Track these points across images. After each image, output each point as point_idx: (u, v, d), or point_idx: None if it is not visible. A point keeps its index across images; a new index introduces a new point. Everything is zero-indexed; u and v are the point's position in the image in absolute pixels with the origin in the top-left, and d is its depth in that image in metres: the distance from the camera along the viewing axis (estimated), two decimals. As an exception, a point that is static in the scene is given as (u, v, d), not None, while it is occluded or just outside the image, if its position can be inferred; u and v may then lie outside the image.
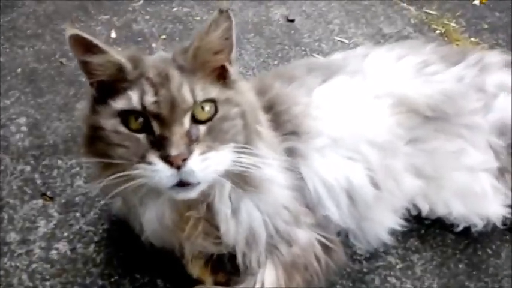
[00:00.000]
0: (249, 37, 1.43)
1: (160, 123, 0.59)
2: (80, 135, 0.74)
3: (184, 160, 0.58)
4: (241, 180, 0.68)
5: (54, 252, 0.84)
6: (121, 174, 0.60)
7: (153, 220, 0.71)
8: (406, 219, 0.94)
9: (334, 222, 0.84)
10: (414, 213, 0.95)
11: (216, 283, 0.78)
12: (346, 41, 1.46)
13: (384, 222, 0.90)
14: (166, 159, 0.57)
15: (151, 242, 0.76)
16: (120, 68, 0.62)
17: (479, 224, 0.96)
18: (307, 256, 0.79)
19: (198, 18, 1.48)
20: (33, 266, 0.81)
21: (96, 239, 0.87)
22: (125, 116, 0.61)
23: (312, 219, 0.81)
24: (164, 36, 1.40)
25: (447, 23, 1.55)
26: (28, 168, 0.99)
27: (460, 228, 0.97)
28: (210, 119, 0.62)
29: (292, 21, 1.51)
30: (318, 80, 0.90)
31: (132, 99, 0.60)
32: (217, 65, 0.65)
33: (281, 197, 0.76)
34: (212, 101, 0.63)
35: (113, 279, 0.81)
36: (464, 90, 0.94)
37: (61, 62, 1.27)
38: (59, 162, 1.02)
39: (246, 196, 0.71)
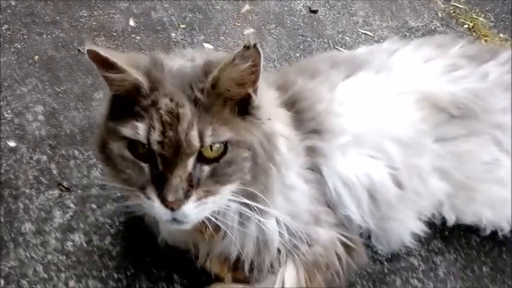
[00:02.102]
0: (270, 28, 1.40)
1: (164, 162, 0.57)
2: (96, 131, 0.71)
3: (180, 205, 0.57)
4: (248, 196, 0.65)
5: (69, 243, 0.83)
6: (125, 192, 0.62)
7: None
8: (430, 224, 0.91)
9: (355, 222, 0.81)
10: (438, 222, 0.91)
11: (235, 280, 0.76)
12: (371, 34, 1.42)
13: (406, 223, 0.86)
14: (163, 200, 0.57)
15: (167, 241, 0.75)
16: (137, 87, 0.59)
17: (506, 228, 0.93)
18: (329, 255, 0.77)
19: (218, 7, 1.45)
20: (49, 257, 0.80)
21: (112, 231, 0.85)
22: (132, 142, 0.59)
23: (333, 218, 0.79)
24: (183, 26, 1.37)
25: (475, 17, 1.51)
26: (44, 157, 0.98)
27: (487, 233, 0.94)
28: (216, 159, 0.59)
29: (315, 12, 1.47)
30: (342, 75, 0.87)
31: (138, 131, 0.57)
32: (238, 97, 0.61)
33: (301, 202, 0.74)
34: (223, 142, 0.59)
35: (129, 273, 0.80)
36: (490, 87, 0.89)
37: (79, 50, 1.25)
38: (76, 152, 1.00)
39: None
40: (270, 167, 0.65)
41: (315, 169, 0.77)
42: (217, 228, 0.69)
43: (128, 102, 0.59)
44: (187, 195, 0.57)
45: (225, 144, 0.59)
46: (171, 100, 0.57)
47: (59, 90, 1.14)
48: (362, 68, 0.88)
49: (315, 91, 0.82)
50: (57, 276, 0.78)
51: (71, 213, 0.88)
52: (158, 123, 0.57)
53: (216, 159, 0.58)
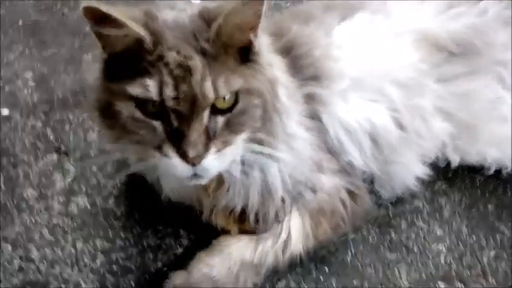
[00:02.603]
0: (259, -22, 1.34)
1: (179, 117, 0.55)
2: (88, 95, 0.69)
3: (201, 158, 0.56)
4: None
5: (73, 206, 0.82)
6: (135, 155, 0.61)
7: (171, 181, 0.69)
8: (434, 167, 0.90)
9: (357, 168, 0.81)
10: (442, 164, 0.90)
11: (241, 232, 0.76)
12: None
13: (410, 166, 0.86)
14: (183, 156, 0.55)
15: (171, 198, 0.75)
16: (139, 42, 0.55)
17: (510, 166, 0.92)
18: (333, 201, 0.77)
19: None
20: (54, 220, 0.80)
21: (115, 192, 0.85)
22: (141, 101, 0.56)
23: (335, 165, 0.78)
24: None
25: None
26: (39, 123, 0.96)
27: (491, 172, 0.93)
28: (229, 110, 0.57)
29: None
30: (337, 18, 0.84)
31: (149, 89, 0.54)
32: (242, 44, 0.59)
33: (303, 150, 0.72)
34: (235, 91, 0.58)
35: (135, 231, 0.80)
36: (490, 22, 0.87)
37: (63, 13, 1.21)
38: (71, 116, 0.99)
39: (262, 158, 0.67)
40: (274, 114, 0.64)
41: (315, 117, 0.76)
42: (220, 182, 0.69)
43: (128, 60, 0.56)
44: (206, 149, 0.56)
45: (236, 93, 0.57)
46: (178, 53, 0.55)
47: (47, 54, 1.10)
48: (358, 10, 0.85)
49: (311, 36, 0.80)
50: (64, 238, 0.78)
51: (71, 177, 0.87)
52: (169, 78, 0.54)
53: (229, 109, 0.57)
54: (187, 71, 0.54)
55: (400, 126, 0.81)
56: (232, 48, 0.58)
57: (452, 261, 0.83)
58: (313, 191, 0.75)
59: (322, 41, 0.80)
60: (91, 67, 1.06)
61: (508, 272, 0.83)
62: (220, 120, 0.57)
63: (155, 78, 0.54)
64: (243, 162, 0.66)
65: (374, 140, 0.80)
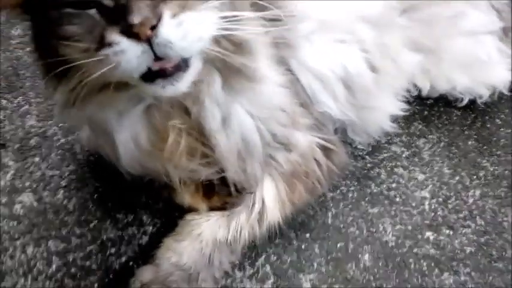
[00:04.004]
0: None
1: None
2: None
3: (154, 28, 0.43)
4: (232, 70, 0.55)
5: (18, 206, 0.74)
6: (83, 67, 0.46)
7: (127, 142, 0.59)
8: (408, 102, 0.86)
9: (332, 117, 0.75)
10: (414, 93, 0.87)
11: (211, 209, 0.70)
12: None
13: (385, 109, 0.82)
14: (130, 32, 0.43)
15: (131, 172, 0.65)
16: None
17: (485, 94, 0.90)
18: (307, 162, 0.71)
19: None
20: (-2, 225, 0.71)
21: (63, 183, 0.76)
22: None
23: (309, 119, 0.72)
24: None
25: None
26: (-32, 114, 0.85)
27: (464, 102, 0.91)
28: None
29: None
30: None
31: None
32: None
33: (276, 96, 0.64)
34: None
35: (92, 225, 0.72)
36: None
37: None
38: (4, 102, 0.88)
39: (237, 99, 0.59)
40: None
41: (283, 64, 0.68)
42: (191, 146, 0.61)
43: None
44: (156, 13, 0.43)
45: None
46: None
47: (-33, 35, 0.97)
48: None
49: None
50: (13, 245, 0.70)
51: (12, 172, 0.78)
52: None
53: None
54: None
55: (373, 68, 0.76)
56: None
57: (437, 206, 0.79)
58: (288, 149, 0.69)
59: None
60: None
61: (495, 209, 0.80)
62: None
63: None
64: (218, 102, 0.57)
65: (348, 86, 0.75)
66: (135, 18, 0.42)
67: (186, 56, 0.48)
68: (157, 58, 0.45)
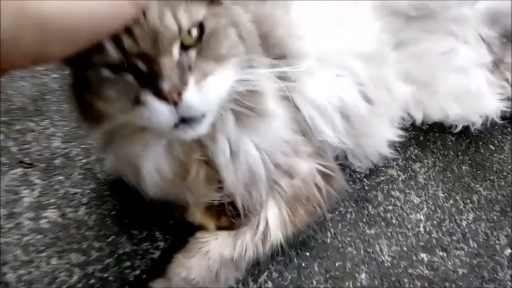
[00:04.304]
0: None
1: (147, 61, 0.50)
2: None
3: (180, 94, 0.50)
4: (244, 109, 0.61)
5: (44, 221, 0.80)
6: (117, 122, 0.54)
7: (152, 172, 0.65)
8: (404, 129, 0.91)
9: (331, 145, 0.81)
10: (408, 122, 0.92)
11: (219, 228, 0.75)
12: None
13: (381, 136, 0.87)
14: (160, 95, 0.49)
15: (150, 195, 0.70)
16: None
17: (478, 122, 0.95)
18: (308, 187, 0.76)
19: None
20: (26, 238, 0.78)
21: (84, 200, 0.82)
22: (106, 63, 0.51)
23: (309, 147, 0.77)
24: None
25: None
26: (1, 136, 0.92)
27: (458, 129, 0.96)
28: (199, 41, 0.53)
29: None
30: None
31: (107, 51, 0.50)
32: None
33: (281, 130, 0.71)
34: (199, 22, 0.53)
35: (109, 239, 0.78)
36: None
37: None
38: (31, 124, 0.95)
39: (246, 134, 0.65)
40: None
41: (286, 97, 0.73)
42: (209, 175, 0.67)
43: None
44: (183, 81, 0.50)
45: (202, 24, 0.53)
46: None
47: None
48: None
49: (271, 15, 0.77)
50: (39, 257, 0.76)
51: (39, 190, 0.84)
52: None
53: (199, 41, 0.53)
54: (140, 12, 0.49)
55: (367, 99, 0.81)
56: None
57: (432, 229, 0.84)
58: (290, 176, 0.74)
59: (282, 19, 0.77)
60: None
61: (488, 233, 0.84)
62: (193, 52, 0.52)
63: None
64: (229, 139, 0.63)
65: (345, 116, 0.80)
66: (166, 85, 0.49)
67: (205, 113, 0.54)
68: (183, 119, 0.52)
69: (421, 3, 0.85)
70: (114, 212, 0.81)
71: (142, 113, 0.51)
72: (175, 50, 0.51)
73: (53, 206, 0.82)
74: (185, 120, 0.52)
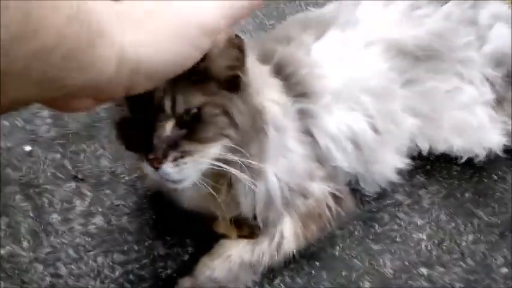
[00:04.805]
0: (244, 0, 1.44)
1: (147, 126, 0.63)
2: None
3: (159, 163, 0.63)
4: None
5: (92, 226, 0.94)
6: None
7: (190, 191, 0.77)
8: (411, 158, 0.99)
9: (343, 170, 0.90)
10: (415, 153, 1.00)
11: (239, 237, 0.85)
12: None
13: (389, 163, 0.95)
14: (146, 159, 0.63)
15: (185, 207, 0.84)
16: None
17: (482, 154, 1.01)
18: (321, 206, 0.86)
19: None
20: (77, 240, 0.91)
21: (127, 211, 0.96)
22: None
23: (323, 172, 0.88)
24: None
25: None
26: (58, 156, 1.08)
27: (463, 160, 1.02)
28: (191, 123, 0.64)
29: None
30: (313, 37, 0.94)
31: (123, 108, 0.65)
32: (229, 78, 0.66)
33: (299, 163, 0.82)
34: (196, 107, 0.64)
35: (147, 244, 0.91)
36: (454, 26, 0.97)
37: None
38: (84, 146, 1.10)
39: (267, 166, 0.76)
40: (261, 134, 0.72)
41: (307, 131, 0.86)
42: (228, 190, 0.78)
43: None
44: (164, 155, 0.62)
45: (199, 108, 0.64)
46: None
47: (60, 92, 1.22)
48: (329, 27, 0.95)
49: (294, 56, 0.89)
50: (87, 255, 0.89)
51: (89, 200, 0.98)
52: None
53: (194, 121, 0.64)
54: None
55: (375, 130, 0.91)
56: (219, 78, 0.65)
57: (432, 247, 0.92)
58: (305, 197, 0.85)
59: (305, 60, 0.89)
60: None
61: (486, 253, 0.91)
62: (183, 131, 0.64)
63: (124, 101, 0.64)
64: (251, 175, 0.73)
65: (355, 144, 0.89)
66: (150, 154, 0.63)
67: (182, 181, 0.67)
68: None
69: (427, 44, 0.94)
70: (151, 221, 0.94)
71: (141, 164, 0.65)
72: (169, 126, 0.63)
73: (100, 215, 0.96)
74: (167, 179, 0.66)
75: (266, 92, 0.77)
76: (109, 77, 0.40)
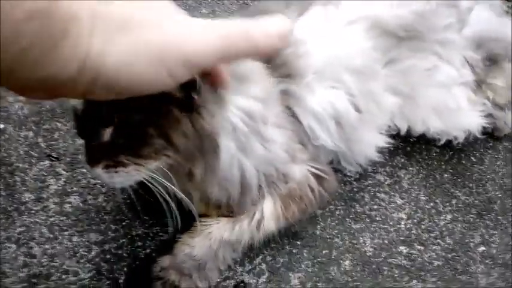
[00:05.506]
0: (226, -20, 1.42)
1: (88, 131, 0.63)
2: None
3: (92, 166, 0.63)
4: None
5: (67, 205, 0.91)
6: None
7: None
8: (392, 137, 1.00)
9: (326, 149, 0.90)
10: (394, 132, 1.00)
11: (219, 216, 0.84)
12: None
13: (370, 141, 0.96)
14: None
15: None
16: None
17: (460, 136, 1.02)
18: (302, 188, 0.85)
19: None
20: (51, 219, 0.88)
21: (104, 190, 0.93)
22: None
23: (306, 154, 0.87)
24: None
25: None
26: (31, 133, 1.04)
27: (442, 142, 1.03)
28: (133, 134, 0.62)
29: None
30: (295, 14, 0.92)
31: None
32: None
33: (279, 150, 0.81)
34: None
35: (124, 223, 0.88)
36: (435, 7, 0.97)
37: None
38: (59, 124, 1.06)
39: (245, 157, 0.75)
40: (208, 156, 0.69)
41: (289, 112, 0.85)
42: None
43: None
44: (98, 161, 0.62)
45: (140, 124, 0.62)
46: None
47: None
48: (311, 4, 0.94)
49: None
50: (61, 234, 0.86)
51: (63, 179, 0.95)
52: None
53: (134, 134, 0.62)
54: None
55: (357, 109, 0.91)
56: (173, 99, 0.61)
57: (411, 226, 0.93)
58: (286, 182, 0.84)
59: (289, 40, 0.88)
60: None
61: (464, 232, 0.93)
62: (120, 140, 0.62)
63: None
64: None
65: (338, 122, 0.89)
66: (84, 158, 0.63)
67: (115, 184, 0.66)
68: None
69: (409, 24, 0.94)
70: (129, 201, 0.92)
71: None
72: (106, 134, 0.61)
73: (76, 194, 0.93)
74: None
75: (245, 90, 0.74)
76: (68, 77, 0.38)
